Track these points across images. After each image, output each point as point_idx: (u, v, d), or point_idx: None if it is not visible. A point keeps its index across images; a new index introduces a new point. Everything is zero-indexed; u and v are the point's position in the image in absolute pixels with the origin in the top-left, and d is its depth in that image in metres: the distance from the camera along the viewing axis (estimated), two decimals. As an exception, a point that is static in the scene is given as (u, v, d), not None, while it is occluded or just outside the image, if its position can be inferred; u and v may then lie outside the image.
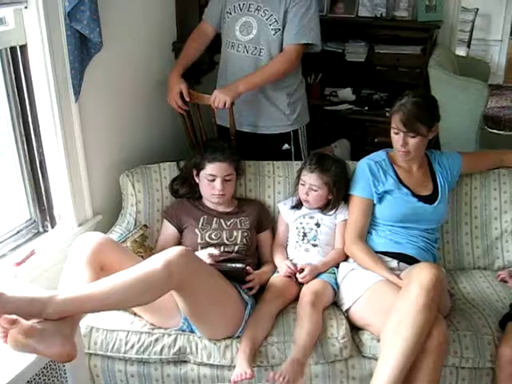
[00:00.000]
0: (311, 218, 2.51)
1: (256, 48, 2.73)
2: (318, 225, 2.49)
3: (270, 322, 2.16)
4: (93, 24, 2.22)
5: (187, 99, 2.74)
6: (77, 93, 2.31)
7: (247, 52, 2.74)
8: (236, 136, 2.77)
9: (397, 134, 2.35)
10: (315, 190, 2.47)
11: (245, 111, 2.82)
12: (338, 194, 2.49)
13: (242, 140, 2.81)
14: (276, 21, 2.68)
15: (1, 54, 2.17)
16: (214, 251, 2.27)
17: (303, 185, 2.50)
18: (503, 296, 2.37)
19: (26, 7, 2.12)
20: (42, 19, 2.14)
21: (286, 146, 2.92)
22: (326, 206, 2.51)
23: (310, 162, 2.50)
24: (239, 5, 2.73)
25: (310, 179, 2.47)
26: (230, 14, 2.76)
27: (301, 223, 2.50)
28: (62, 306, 1.63)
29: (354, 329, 2.21)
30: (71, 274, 1.91)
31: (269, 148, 2.88)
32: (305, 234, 2.48)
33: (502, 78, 7.48)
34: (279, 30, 2.69)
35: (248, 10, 2.72)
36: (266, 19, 2.69)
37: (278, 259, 2.46)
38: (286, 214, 2.57)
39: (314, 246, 2.45)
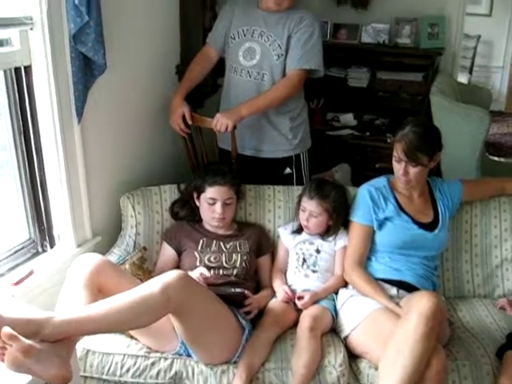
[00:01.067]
0: (311, 243, 2.50)
1: (259, 73, 2.75)
2: (318, 251, 2.48)
3: (268, 348, 2.14)
4: (97, 46, 2.24)
5: (189, 122, 2.75)
6: (79, 114, 2.32)
7: (250, 77, 2.76)
8: (238, 159, 2.78)
9: (398, 162, 2.36)
10: (315, 217, 2.47)
11: (247, 135, 2.83)
12: (338, 219, 2.49)
13: (243, 163, 2.81)
14: (279, 46, 2.70)
15: (5, 74, 2.18)
16: (205, 272, 2.25)
17: (303, 211, 2.50)
18: (502, 325, 2.35)
19: (31, 28, 2.14)
20: (47, 41, 2.16)
21: (288, 170, 2.92)
22: (327, 232, 2.51)
23: (309, 189, 2.51)
24: (243, 30, 2.76)
25: (310, 206, 2.47)
26: (234, 39, 2.78)
27: (301, 249, 2.50)
28: (59, 328, 1.61)
29: (352, 356, 2.19)
30: (69, 296, 1.90)
31: (270, 172, 2.89)
32: (304, 260, 2.47)
33: (504, 104, 7.52)
34: (282, 55, 2.71)
35: (252, 36, 2.74)
36: (270, 45, 2.71)
37: (277, 284, 2.44)
38: (286, 239, 2.56)
39: (314, 271, 2.44)
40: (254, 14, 2.75)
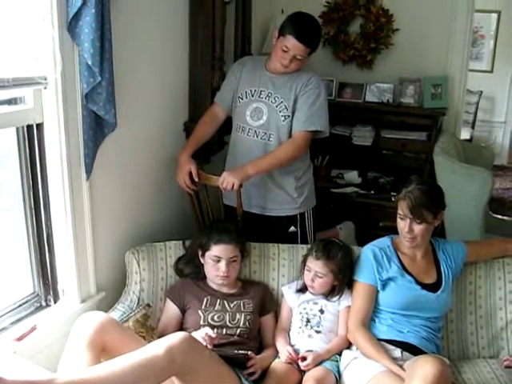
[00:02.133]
0: (315, 303, 2.49)
1: (266, 133, 2.79)
2: (321, 311, 2.47)
3: None
4: (108, 105, 2.29)
5: (196, 179, 2.78)
6: (88, 171, 2.36)
7: (257, 137, 2.81)
8: (243, 217, 2.80)
9: (403, 220, 2.38)
10: (321, 277, 2.47)
11: (253, 193, 2.86)
12: (343, 280, 2.49)
13: (248, 221, 2.83)
14: (286, 108, 2.75)
15: (17, 130, 2.23)
16: (211, 332, 2.23)
17: (309, 271, 2.50)
18: (509, 388, 2.32)
19: (45, 88, 2.19)
20: (59, 99, 2.21)
21: (293, 228, 2.94)
22: (331, 292, 2.50)
23: (316, 249, 2.51)
24: (251, 91, 2.81)
25: (316, 266, 2.47)
26: (242, 99, 2.84)
27: (304, 308, 2.49)
28: None
29: (356, 421, 2.16)
30: (72, 356, 1.89)
31: (275, 230, 2.90)
32: (308, 320, 2.46)
33: (506, 158, 7.57)
34: (289, 116, 2.76)
35: (259, 97, 2.80)
36: (276, 106, 2.77)
37: (280, 344, 2.43)
38: (289, 298, 2.56)
39: (318, 332, 2.43)
40: (262, 76, 2.81)
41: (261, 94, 2.79)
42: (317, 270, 2.47)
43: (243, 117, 2.83)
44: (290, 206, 2.91)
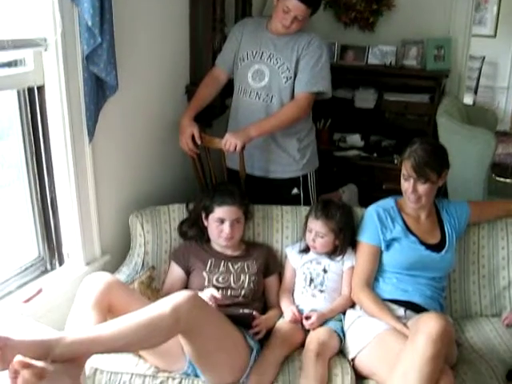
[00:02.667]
0: (318, 263, 2.51)
1: (268, 95, 2.78)
2: (325, 271, 2.49)
3: (276, 369, 2.13)
4: (109, 67, 2.27)
5: (198, 142, 2.77)
6: (91, 134, 2.35)
7: (259, 99, 2.79)
8: (246, 179, 2.80)
9: (407, 180, 2.37)
10: (322, 237, 2.49)
11: (256, 156, 2.86)
12: (344, 239, 2.51)
13: (251, 184, 2.83)
14: (288, 69, 2.73)
15: (18, 94, 2.22)
16: (216, 293, 2.26)
17: (310, 231, 2.52)
18: (511, 345, 2.34)
19: (45, 49, 2.17)
20: (60, 61, 2.19)
21: (296, 190, 2.94)
22: (334, 252, 2.52)
23: (315, 209, 2.53)
24: (252, 52, 2.79)
25: (316, 226, 2.49)
26: (244, 60, 2.82)
27: (308, 268, 2.51)
28: (69, 348, 1.62)
29: (360, 378, 2.18)
30: (79, 315, 1.91)
31: (278, 192, 2.91)
32: (312, 280, 2.48)
33: (509, 124, 7.53)
34: (291, 78, 2.74)
35: (261, 58, 2.77)
36: (278, 67, 2.75)
37: (285, 304, 2.45)
38: (293, 258, 2.57)
39: (321, 291, 2.45)
40: (263, 37, 2.78)
41: (262, 55, 2.77)
42: (317, 229, 2.49)
43: (245, 79, 2.81)
44: (292, 167, 2.91)
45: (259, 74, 2.78)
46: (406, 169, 2.36)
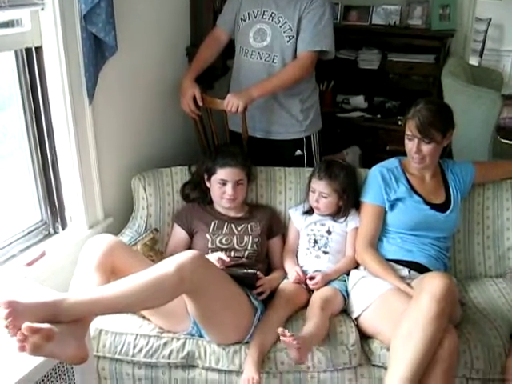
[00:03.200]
0: (322, 225, 2.50)
1: (270, 55, 2.74)
2: (329, 232, 2.49)
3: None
4: (108, 27, 2.23)
5: (200, 104, 2.74)
6: (91, 95, 2.32)
7: (261, 59, 2.75)
8: (248, 141, 2.77)
9: (411, 140, 2.35)
10: (325, 197, 2.48)
11: (258, 117, 2.82)
12: (348, 200, 2.49)
13: (254, 146, 2.81)
14: (290, 28, 2.68)
15: (16, 54, 2.18)
16: (224, 256, 2.26)
17: (313, 192, 2.51)
18: (516, 305, 2.34)
19: (42, 9, 2.13)
20: (57, 21, 2.15)
21: (299, 151, 2.92)
22: (337, 213, 2.51)
23: (318, 170, 2.52)
24: (253, 12, 2.74)
25: (320, 186, 2.48)
26: (245, 20, 2.77)
27: (312, 230, 2.50)
28: (74, 309, 1.63)
29: (364, 337, 2.19)
30: (82, 277, 1.91)
31: (281, 154, 2.88)
32: (316, 241, 2.47)
33: (514, 88, 7.45)
34: (293, 37, 2.69)
35: (262, 17, 2.73)
36: (280, 26, 2.70)
37: (289, 265, 2.45)
38: (296, 220, 2.56)
39: (325, 253, 2.45)
40: None
41: (264, 14, 2.72)
42: (320, 190, 2.47)
43: (246, 39, 2.76)
44: (295, 129, 2.88)
45: (261, 34, 2.73)
46: (411, 129, 2.33)
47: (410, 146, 2.36)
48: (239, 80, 2.84)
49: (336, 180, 2.47)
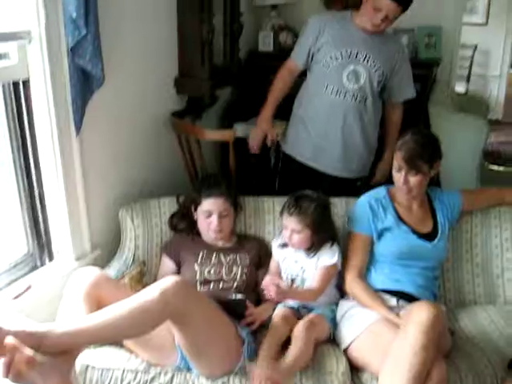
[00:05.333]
0: (296, 262, 2.44)
1: (363, 97, 2.82)
2: (303, 270, 2.42)
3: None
4: (95, 60, 2.23)
5: (269, 145, 3.01)
6: (78, 127, 2.32)
7: (355, 100, 2.81)
8: (312, 175, 2.94)
9: (399, 171, 2.36)
10: (298, 233, 2.37)
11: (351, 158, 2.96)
12: (320, 234, 2.39)
13: (314, 179, 2.93)
14: (383, 73, 2.81)
15: (3, 88, 2.18)
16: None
17: (286, 229, 2.41)
18: (506, 333, 2.33)
19: (29, 42, 2.14)
20: (45, 54, 2.16)
21: (359, 182, 3.05)
22: (311, 248, 2.41)
23: (288, 206, 2.40)
24: (346, 51, 2.77)
25: (291, 223, 2.37)
26: (337, 59, 2.78)
27: (288, 267, 2.45)
28: (60, 339, 1.61)
29: (355, 369, 2.17)
30: (69, 309, 1.90)
31: (344, 188, 2.94)
32: (293, 280, 2.42)
33: (501, 113, 7.53)
34: (381, 81, 2.84)
35: (356, 58, 2.77)
36: (375, 71, 2.79)
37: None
38: (275, 251, 2.52)
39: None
40: (355, 35, 2.77)
41: (357, 55, 2.77)
42: (292, 226, 2.37)
43: (339, 78, 2.79)
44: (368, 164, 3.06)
45: (355, 75, 2.78)
46: (398, 160, 2.34)
47: (398, 176, 2.37)
48: (318, 117, 2.89)
49: (306, 214, 2.35)
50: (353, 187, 2.97)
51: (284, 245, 2.49)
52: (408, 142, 2.33)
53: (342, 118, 2.82)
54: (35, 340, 1.57)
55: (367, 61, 2.77)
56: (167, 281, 1.84)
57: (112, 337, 1.82)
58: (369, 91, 2.81)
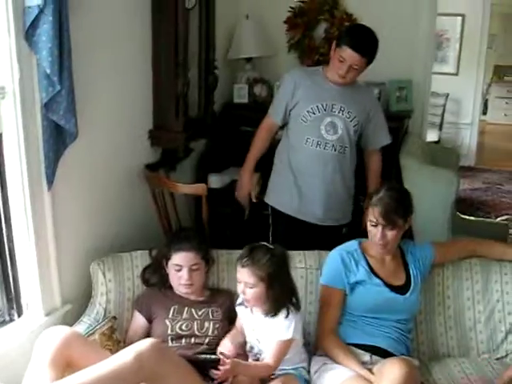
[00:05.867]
0: (253, 330, 2.32)
1: (341, 146, 2.90)
2: (258, 341, 2.30)
3: None
4: (69, 115, 2.25)
5: (254, 200, 3.11)
6: (50, 182, 2.31)
7: (335, 150, 2.89)
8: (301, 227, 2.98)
9: (375, 226, 2.38)
10: (251, 287, 2.19)
11: (332, 206, 2.99)
12: (277, 290, 2.19)
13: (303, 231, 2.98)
14: (358, 122, 2.91)
15: (-24, 142, 2.19)
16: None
17: (239, 283, 2.23)
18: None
19: (3, 97, 2.15)
20: (18, 109, 2.17)
21: (344, 229, 3.10)
22: (268, 309, 2.23)
23: (240, 257, 2.22)
24: (323, 105, 2.86)
25: (244, 275, 2.19)
26: (314, 113, 2.86)
27: (247, 333, 2.36)
28: None
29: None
30: (36, 374, 1.85)
31: (331, 236, 2.96)
32: (252, 348, 2.34)
33: (473, 160, 7.67)
34: (357, 131, 2.93)
35: (331, 110, 2.86)
36: (351, 121, 2.89)
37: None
38: (237, 309, 2.42)
39: (263, 356, 2.29)
40: (327, 89, 2.87)
41: (333, 108, 2.86)
42: (245, 279, 2.19)
43: (317, 131, 2.86)
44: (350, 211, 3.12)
45: (332, 127, 2.86)
46: (375, 215, 2.36)
47: (374, 231, 2.39)
48: (298, 169, 2.95)
49: (259, 265, 2.16)
50: (339, 235, 3.01)
51: (242, 303, 2.35)
52: (383, 197, 2.36)
53: (324, 169, 2.88)
54: None
55: (342, 112, 2.86)
56: (142, 344, 1.83)
57: None
58: (347, 141, 2.89)
